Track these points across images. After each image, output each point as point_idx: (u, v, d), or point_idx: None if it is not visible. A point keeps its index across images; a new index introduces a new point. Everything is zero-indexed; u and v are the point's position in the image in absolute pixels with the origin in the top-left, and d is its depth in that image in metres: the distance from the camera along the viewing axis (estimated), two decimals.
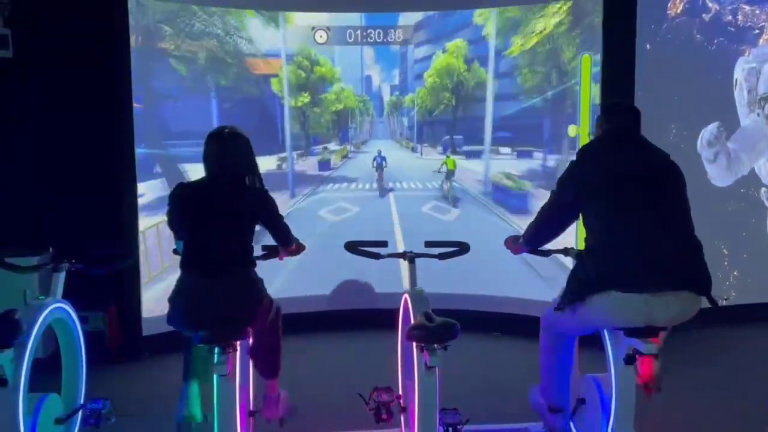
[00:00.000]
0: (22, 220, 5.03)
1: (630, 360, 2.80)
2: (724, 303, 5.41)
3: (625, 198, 2.75)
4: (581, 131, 5.00)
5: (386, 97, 5.97)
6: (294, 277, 5.35)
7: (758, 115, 5.63)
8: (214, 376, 2.84)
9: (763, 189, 5.73)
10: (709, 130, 5.50)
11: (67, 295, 3.31)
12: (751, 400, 4.09)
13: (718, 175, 5.61)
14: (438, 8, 5.66)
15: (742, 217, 5.68)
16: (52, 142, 5.11)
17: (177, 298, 3.02)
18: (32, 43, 5.06)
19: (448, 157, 5.77)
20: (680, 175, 2.88)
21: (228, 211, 3.01)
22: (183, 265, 3.05)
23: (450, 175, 5.75)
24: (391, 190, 5.91)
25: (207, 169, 3.09)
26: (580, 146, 4.90)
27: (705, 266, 2.77)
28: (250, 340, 3.21)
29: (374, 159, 5.95)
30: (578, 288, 2.78)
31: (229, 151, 3.07)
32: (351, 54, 5.86)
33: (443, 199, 5.79)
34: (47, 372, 3.24)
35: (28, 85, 5.13)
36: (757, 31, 5.57)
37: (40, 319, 2.91)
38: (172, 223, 3.14)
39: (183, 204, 3.06)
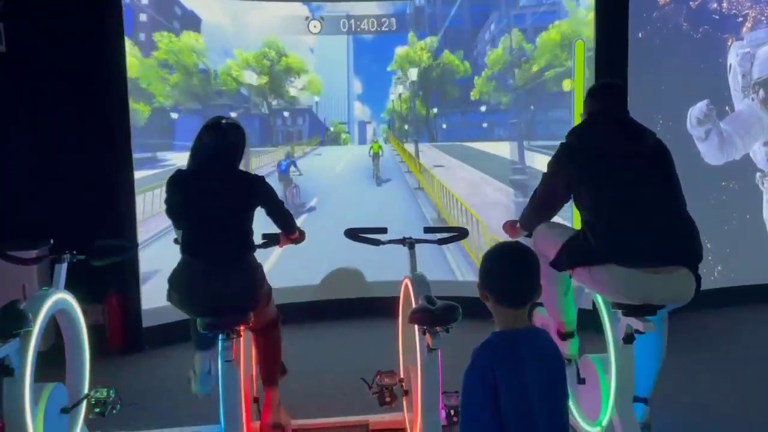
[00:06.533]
0: (20, 212, 5.04)
1: (629, 339, 2.85)
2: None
3: (619, 176, 2.78)
4: (576, 113, 5.05)
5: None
6: (290, 267, 5.37)
7: (753, 99, 5.66)
8: (219, 362, 2.88)
9: (758, 174, 5.77)
10: (698, 108, 5.48)
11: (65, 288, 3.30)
12: (748, 379, 4.18)
13: (710, 154, 5.62)
14: None
15: (726, 211, 5.73)
16: (49, 134, 5.12)
17: (179, 284, 3.03)
18: (26, 38, 5.06)
19: (375, 142, 6.03)
20: (668, 153, 2.93)
21: (229, 198, 3.03)
22: (184, 252, 3.06)
23: (376, 157, 6.01)
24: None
25: (203, 157, 3.07)
26: (574, 96, 5.06)
27: (700, 243, 2.81)
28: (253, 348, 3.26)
29: (279, 164, 5.84)
30: (580, 257, 2.80)
31: (228, 141, 3.08)
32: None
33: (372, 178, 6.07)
34: (48, 364, 3.24)
35: (23, 79, 5.13)
36: (740, 19, 5.61)
37: (45, 309, 2.91)
38: (171, 210, 3.12)
39: (182, 191, 3.06)
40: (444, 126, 6.03)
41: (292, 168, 5.79)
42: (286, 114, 5.92)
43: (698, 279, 2.79)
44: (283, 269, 5.12)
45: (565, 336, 3.25)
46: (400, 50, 5.87)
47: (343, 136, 6.01)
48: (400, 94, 6.02)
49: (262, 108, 5.82)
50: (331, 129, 5.96)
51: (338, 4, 5.64)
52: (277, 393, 3.41)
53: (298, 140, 5.97)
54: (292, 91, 5.88)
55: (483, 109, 5.84)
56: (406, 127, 6.06)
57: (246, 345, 3.18)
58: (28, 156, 5.14)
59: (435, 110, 6.02)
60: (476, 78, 5.78)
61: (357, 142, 6.05)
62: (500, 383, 1.85)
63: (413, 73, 5.93)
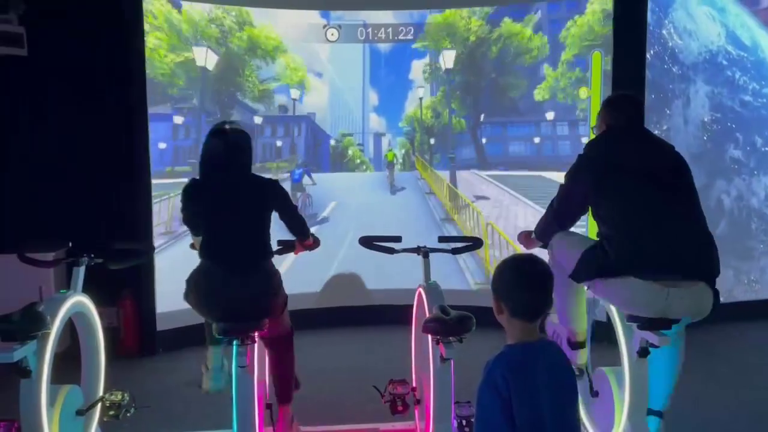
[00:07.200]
0: (39, 216, 5.09)
1: (644, 353, 2.83)
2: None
3: (639, 189, 2.76)
4: (592, 121, 5.02)
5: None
6: (306, 273, 5.38)
7: None
8: (233, 367, 2.89)
9: None
10: None
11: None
12: (760, 392, 4.14)
13: None
14: (443, 6, 5.63)
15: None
16: (67, 139, 5.17)
17: (197, 287, 3.05)
18: (47, 42, 5.12)
19: (390, 150, 5.59)
20: (687, 167, 2.91)
21: (244, 204, 3.05)
22: (203, 256, 3.09)
23: (391, 165, 5.60)
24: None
25: (212, 164, 3.09)
26: (591, 107, 4.96)
27: (718, 259, 2.79)
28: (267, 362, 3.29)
29: (291, 173, 5.40)
30: (597, 271, 2.80)
31: (234, 145, 3.09)
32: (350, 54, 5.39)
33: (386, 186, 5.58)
34: (63, 366, 3.27)
35: (43, 82, 5.19)
36: None
37: (63, 312, 2.94)
38: (188, 219, 3.16)
39: (198, 200, 3.09)
40: (484, 140, 4.67)
41: (305, 177, 5.64)
42: (268, 123, 4.61)
43: (716, 294, 2.77)
44: (297, 275, 5.13)
45: (576, 345, 3.24)
46: (433, 18, 4.32)
47: (351, 150, 5.12)
48: (438, 77, 4.56)
49: (208, 110, 4.43)
50: (332, 143, 5.20)
51: (356, 12, 5.65)
52: (290, 409, 3.42)
53: (288, 157, 4.97)
54: (256, 82, 4.50)
55: (550, 116, 4.48)
56: (431, 141, 4.94)
57: (260, 351, 3.19)
58: (47, 158, 5.19)
59: (482, 116, 4.63)
60: (546, 67, 4.38)
61: (371, 159, 5.24)
62: (514, 396, 1.86)
63: (451, 55, 4.37)
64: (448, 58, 4.53)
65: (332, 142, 5.47)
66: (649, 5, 4.99)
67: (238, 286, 2.96)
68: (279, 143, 4.80)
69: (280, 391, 3.40)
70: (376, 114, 5.52)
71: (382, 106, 5.54)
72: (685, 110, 5.39)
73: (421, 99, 4.89)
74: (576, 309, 3.20)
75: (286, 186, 5.45)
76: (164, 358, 4.88)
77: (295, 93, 4.84)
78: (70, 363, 3.41)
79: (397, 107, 5.55)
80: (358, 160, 5.32)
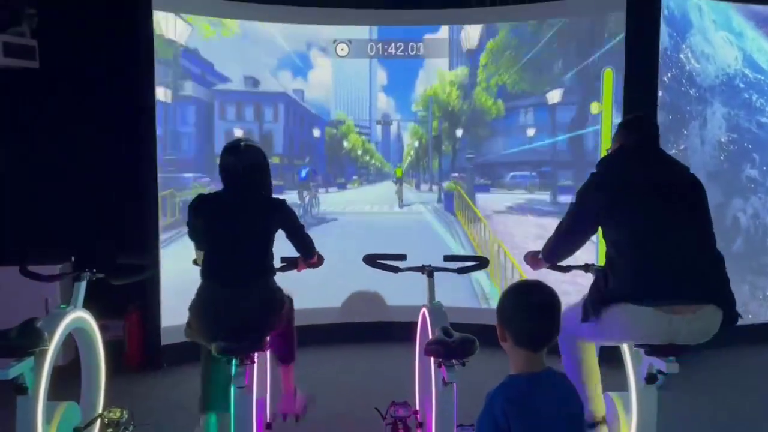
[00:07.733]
0: (44, 229, 5.10)
1: (652, 379, 2.76)
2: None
3: (649, 210, 2.70)
4: (603, 137, 4.98)
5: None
6: (309, 289, 5.32)
7: None
8: (232, 387, 2.85)
9: None
10: None
11: (86, 303, 3.31)
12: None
13: None
14: (449, 22, 5.57)
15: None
16: (76, 152, 5.19)
17: (197, 307, 3.04)
18: (58, 55, 5.15)
19: (398, 167, 5.46)
20: (702, 189, 2.85)
21: (248, 222, 3.02)
22: (203, 275, 3.06)
23: (399, 180, 5.51)
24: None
25: (225, 180, 3.09)
26: (602, 123, 4.99)
27: (727, 281, 2.72)
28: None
29: (298, 171, 5.14)
30: (601, 300, 2.74)
31: (247, 163, 3.08)
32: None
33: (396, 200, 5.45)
34: (66, 379, 3.25)
35: (54, 95, 5.22)
36: None
37: (61, 328, 2.92)
38: (194, 233, 3.15)
39: (203, 215, 3.07)
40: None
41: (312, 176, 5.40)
42: (218, 100, 3.81)
43: (734, 315, 2.69)
44: (300, 290, 5.06)
45: (595, 424, 3.10)
46: None
47: (352, 138, 4.43)
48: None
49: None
50: (327, 129, 4.43)
51: (365, 27, 5.62)
52: (291, 372, 3.40)
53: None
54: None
55: None
56: (458, 133, 4.21)
57: (258, 369, 3.14)
58: (54, 171, 5.21)
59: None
60: None
61: (378, 143, 4.79)
62: (514, 429, 1.79)
63: None
64: None
65: (324, 130, 4.91)
66: (667, 30, 5.03)
67: (237, 303, 2.93)
68: (238, 132, 3.89)
69: (279, 352, 3.36)
70: (385, 94, 4.79)
71: (391, 86, 4.78)
72: (702, 131, 5.43)
73: (471, 55, 3.88)
74: (594, 389, 3.10)
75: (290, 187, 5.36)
76: (168, 373, 4.84)
77: (171, 27, 3.59)
78: (73, 377, 3.39)
79: (407, 87, 4.85)
80: (360, 150, 4.76)
